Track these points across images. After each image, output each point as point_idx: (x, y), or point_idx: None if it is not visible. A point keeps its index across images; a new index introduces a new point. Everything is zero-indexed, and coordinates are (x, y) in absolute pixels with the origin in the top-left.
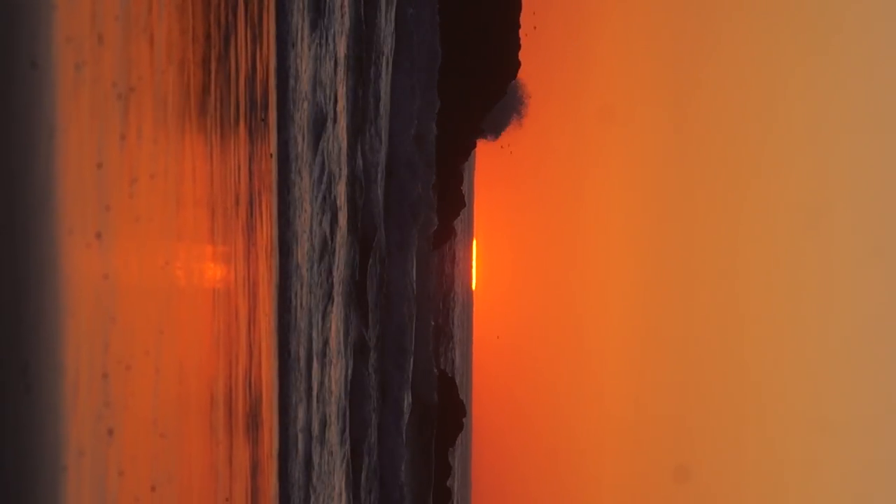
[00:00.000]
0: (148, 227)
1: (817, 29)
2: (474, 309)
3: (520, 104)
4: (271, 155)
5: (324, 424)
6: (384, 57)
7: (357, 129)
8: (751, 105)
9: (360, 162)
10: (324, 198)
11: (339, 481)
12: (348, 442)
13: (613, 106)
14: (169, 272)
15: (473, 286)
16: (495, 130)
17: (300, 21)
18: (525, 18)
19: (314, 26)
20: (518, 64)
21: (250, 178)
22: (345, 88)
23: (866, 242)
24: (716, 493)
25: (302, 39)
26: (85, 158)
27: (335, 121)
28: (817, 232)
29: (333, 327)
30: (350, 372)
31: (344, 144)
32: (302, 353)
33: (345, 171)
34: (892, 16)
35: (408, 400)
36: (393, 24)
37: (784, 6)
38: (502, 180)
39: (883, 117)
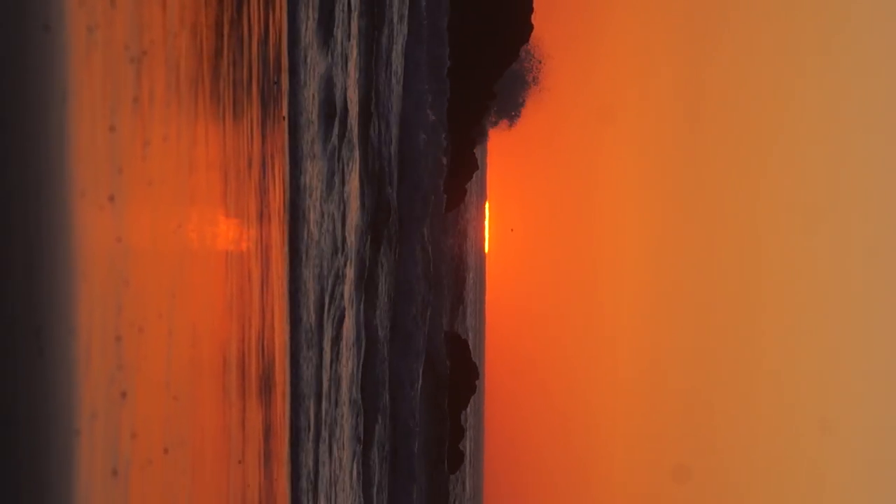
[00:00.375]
0: (161, 190)
1: (827, 27)
2: (487, 272)
3: (530, 76)
4: (284, 118)
5: (335, 387)
6: (396, 16)
7: (369, 90)
8: (764, 98)
9: (373, 123)
10: (336, 161)
11: (350, 445)
12: (360, 405)
13: (629, 73)
14: (182, 235)
15: (486, 249)
16: (512, 113)
17: None
18: None
19: None
20: (531, 27)
21: (263, 141)
22: (356, 51)
23: (873, 241)
24: (721, 486)
25: (313, 4)
26: (97, 121)
27: (346, 82)
28: (824, 230)
29: (346, 291)
30: (363, 337)
31: (356, 108)
32: (313, 315)
33: (357, 133)
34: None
35: (420, 365)
36: None
37: (795, 5)
38: (516, 143)
39: (892, 116)
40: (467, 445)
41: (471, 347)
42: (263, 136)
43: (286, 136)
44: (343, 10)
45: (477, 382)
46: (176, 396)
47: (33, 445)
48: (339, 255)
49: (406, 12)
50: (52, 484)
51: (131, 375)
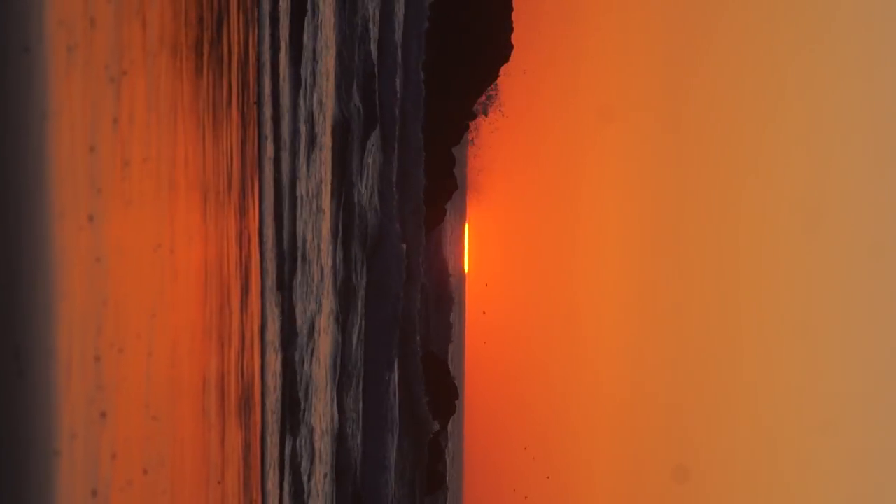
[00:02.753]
0: (140, 211)
1: (815, 27)
2: (466, 292)
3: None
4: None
5: (307, 407)
6: (371, 36)
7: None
8: (749, 99)
9: (349, 159)
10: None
11: (323, 465)
12: (334, 427)
13: (612, 90)
14: (161, 255)
15: (466, 269)
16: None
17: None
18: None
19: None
20: (510, 47)
21: (242, 162)
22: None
23: (865, 242)
24: (718, 492)
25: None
26: (77, 142)
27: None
28: (815, 231)
29: (322, 321)
30: (337, 355)
31: (328, 126)
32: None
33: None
34: (890, 15)
35: (395, 386)
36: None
37: (782, 5)
38: (496, 163)
39: (881, 117)
40: (447, 466)
41: (450, 367)
42: (243, 157)
43: (259, 164)
44: (315, 33)
45: (456, 402)
46: (155, 417)
47: (13, 466)
48: (317, 284)
49: (378, 27)
50: None
51: (111, 396)
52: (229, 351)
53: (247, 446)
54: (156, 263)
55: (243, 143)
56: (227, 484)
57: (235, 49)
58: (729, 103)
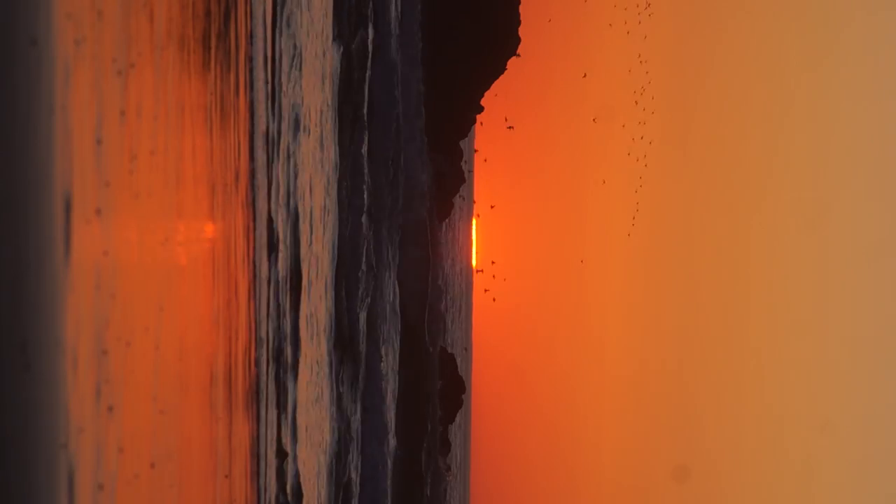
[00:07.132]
0: (148, 204)
1: (821, 31)
2: (474, 285)
3: None
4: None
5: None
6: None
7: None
8: (755, 102)
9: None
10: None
11: (321, 455)
12: (335, 424)
13: (622, 83)
14: (169, 249)
15: (474, 263)
16: None
17: None
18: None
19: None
20: (518, 40)
21: (250, 155)
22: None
23: (866, 243)
24: (719, 491)
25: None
26: (85, 135)
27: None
28: (818, 231)
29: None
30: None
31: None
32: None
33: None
34: (892, 18)
35: (395, 387)
36: None
37: (788, 9)
38: (504, 156)
39: (884, 119)
40: (455, 458)
41: (458, 361)
42: (251, 150)
43: (256, 154)
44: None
45: (463, 396)
46: (163, 410)
47: (20, 460)
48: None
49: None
50: (40, 498)
51: (118, 389)
52: (237, 345)
53: (254, 439)
54: (163, 257)
55: (251, 135)
56: (234, 477)
57: (242, 42)
58: (735, 106)
